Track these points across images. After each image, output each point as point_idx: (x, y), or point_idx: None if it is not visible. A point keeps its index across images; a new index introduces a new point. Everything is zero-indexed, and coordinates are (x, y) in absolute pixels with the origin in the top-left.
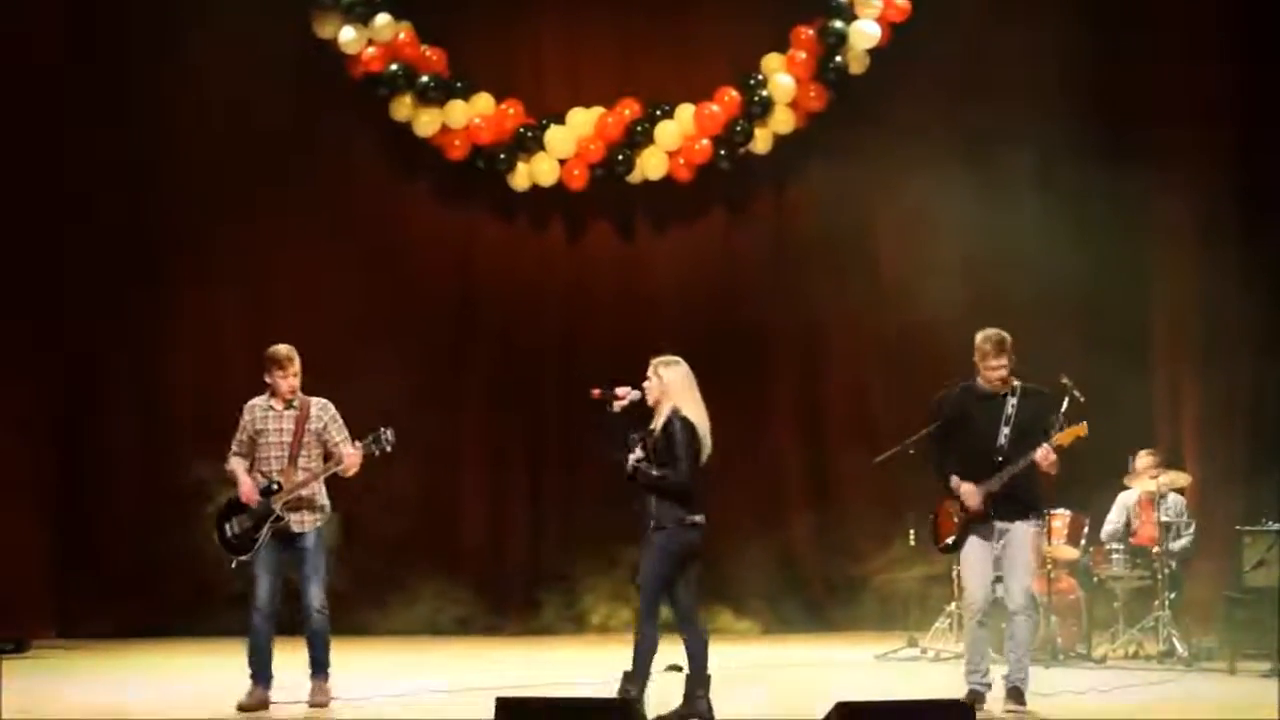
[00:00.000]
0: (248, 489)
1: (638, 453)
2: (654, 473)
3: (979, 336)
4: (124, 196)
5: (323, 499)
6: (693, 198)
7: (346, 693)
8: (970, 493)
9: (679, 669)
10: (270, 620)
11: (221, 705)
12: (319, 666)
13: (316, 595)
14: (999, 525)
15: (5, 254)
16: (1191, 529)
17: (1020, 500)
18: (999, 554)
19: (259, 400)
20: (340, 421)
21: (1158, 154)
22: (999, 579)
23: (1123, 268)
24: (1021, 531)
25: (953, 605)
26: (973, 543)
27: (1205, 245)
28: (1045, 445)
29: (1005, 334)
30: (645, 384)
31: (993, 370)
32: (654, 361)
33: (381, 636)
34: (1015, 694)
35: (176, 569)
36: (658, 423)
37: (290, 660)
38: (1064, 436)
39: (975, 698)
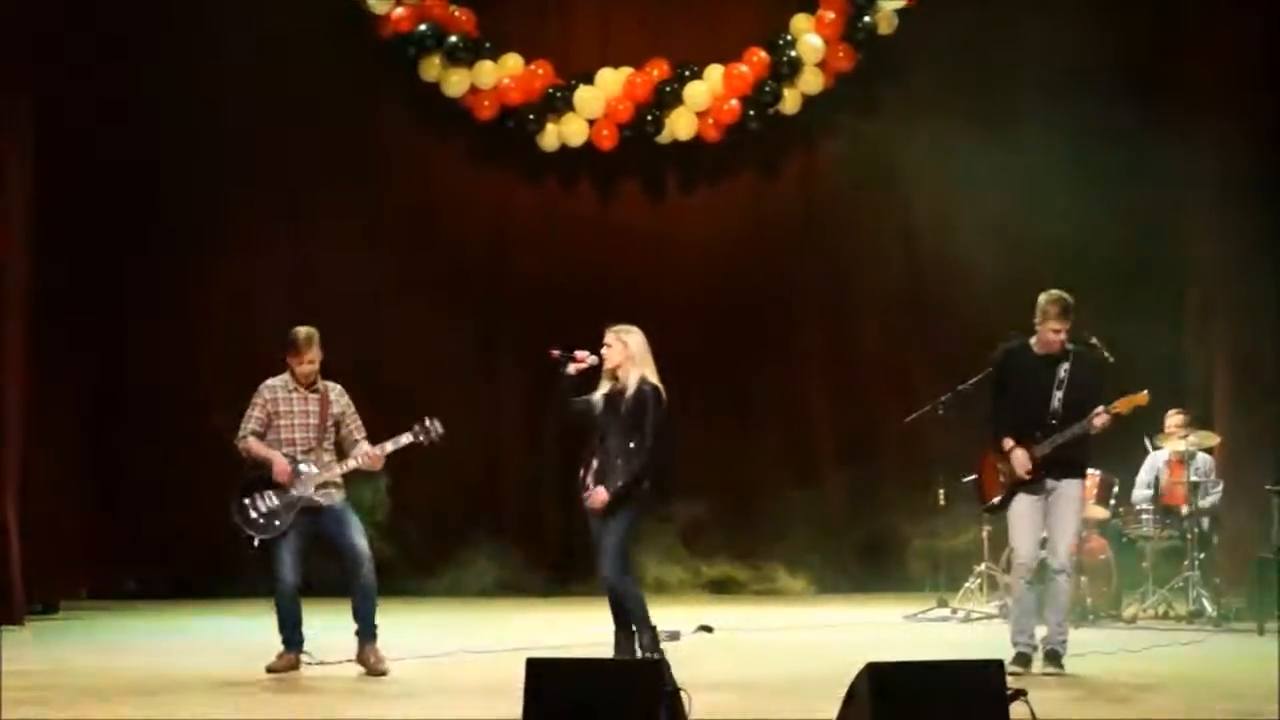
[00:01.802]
0: (284, 466)
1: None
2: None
3: (1042, 297)
4: (153, 159)
5: (339, 476)
6: (721, 158)
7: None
8: (1020, 458)
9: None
10: (295, 594)
11: (252, 666)
12: (371, 630)
13: (363, 547)
14: (1048, 483)
15: (42, 221)
16: (1219, 487)
17: (1069, 460)
18: (1046, 511)
19: (277, 381)
20: (355, 410)
21: (1190, 113)
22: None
23: (1153, 227)
24: (1070, 489)
25: (982, 566)
26: (1023, 501)
27: (1237, 205)
28: (1104, 413)
29: (1068, 296)
30: (604, 350)
31: (1053, 333)
32: (613, 329)
33: (425, 599)
34: (1053, 656)
35: (207, 530)
36: (628, 387)
37: (323, 621)
38: (1124, 404)
39: (1022, 660)
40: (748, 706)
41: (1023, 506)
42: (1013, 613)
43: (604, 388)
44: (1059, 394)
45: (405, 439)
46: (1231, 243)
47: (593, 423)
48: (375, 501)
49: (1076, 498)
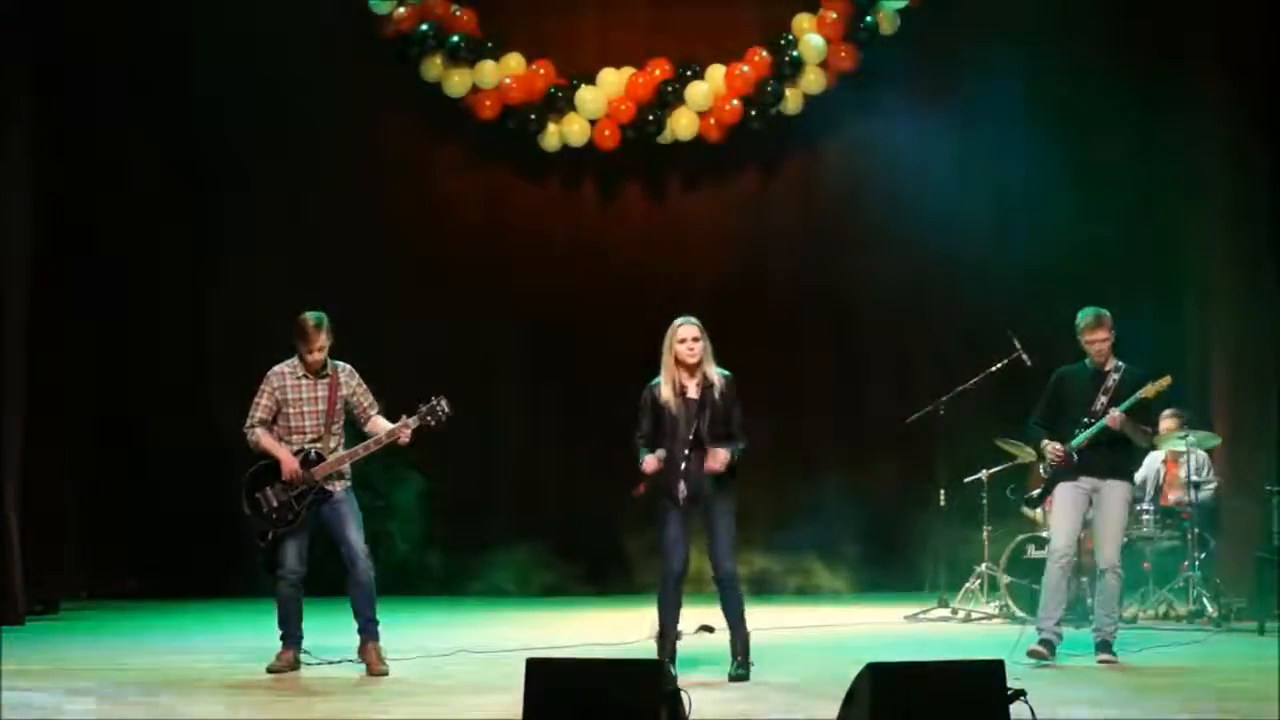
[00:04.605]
0: (292, 465)
1: (720, 455)
2: (739, 446)
3: (1078, 316)
4: (152, 158)
5: (347, 464)
6: (723, 158)
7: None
8: (1054, 447)
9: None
10: (299, 585)
11: (252, 666)
12: (371, 626)
13: (359, 542)
14: (1092, 481)
15: (42, 221)
16: (1214, 484)
17: (1114, 460)
18: (1092, 512)
19: (285, 368)
20: (366, 387)
21: (1190, 107)
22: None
23: (1154, 225)
24: (1116, 490)
25: (983, 566)
26: (1062, 489)
27: (1238, 204)
28: (1115, 410)
29: (1103, 310)
30: (694, 343)
31: (1093, 344)
32: (692, 322)
33: (450, 600)
34: (1105, 646)
35: (208, 530)
36: (714, 380)
37: (323, 621)
38: (1150, 390)
39: (1047, 645)
40: (748, 706)
41: (1063, 496)
42: (1042, 599)
43: (682, 385)
44: (1102, 398)
45: (413, 423)
46: (1232, 241)
47: (665, 424)
48: (412, 506)
49: (1123, 499)
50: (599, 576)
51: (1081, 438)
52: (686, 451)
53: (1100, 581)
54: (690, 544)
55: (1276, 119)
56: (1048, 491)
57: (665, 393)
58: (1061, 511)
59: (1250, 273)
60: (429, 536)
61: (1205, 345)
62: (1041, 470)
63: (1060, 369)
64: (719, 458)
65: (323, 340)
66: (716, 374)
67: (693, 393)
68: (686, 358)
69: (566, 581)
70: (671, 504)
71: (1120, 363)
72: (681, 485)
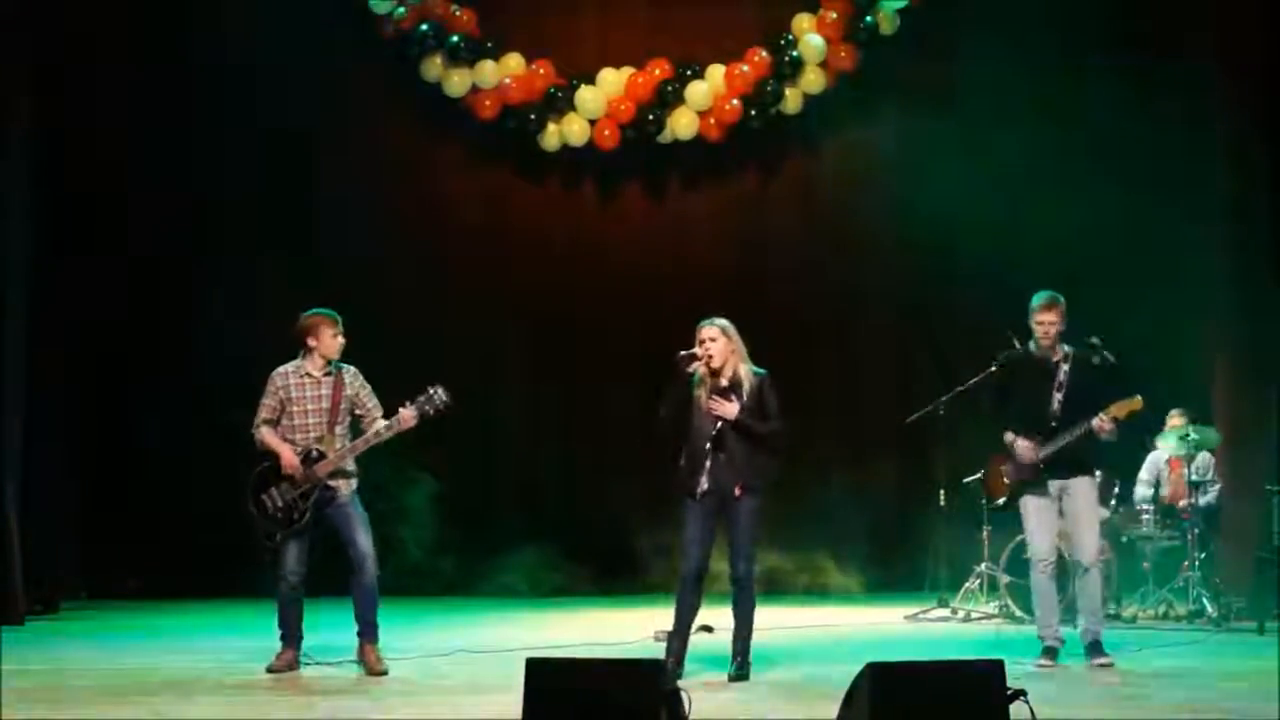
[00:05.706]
0: (291, 459)
1: (729, 405)
2: (771, 427)
3: (1034, 297)
4: (153, 157)
5: (353, 464)
6: (723, 158)
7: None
8: (1026, 448)
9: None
10: (299, 586)
11: (252, 666)
12: (370, 629)
13: (366, 544)
14: (1057, 483)
15: (42, 220)
16: (1216, 486)
17: (1076, 459)
18: (1063, 511)
19: (289, 367)
20: (370, 390)
21: (1189, 107)
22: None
23: (1154, 225)
24: (1082, 487)
25: (982, 565)
26: (1030, 499)
27: (1238, 204)
28: (1100, 415)
29: (1055, 293)
30: (711, 344)
31: (1042, 324)
32: (710, 323)
33: (459, 600)
34: (1096, 647)
35: (208, 530)
36: (742, 380)
37: (322, 621)
38: (1119, 409)
39: (1051, 654)
40: (748, 706)
41: (1034, 503)
42: (1036, 607)
43: (714, 384)
44: (1058, 396)
45: (412, 411)
46: (1232, 241)
47: (689, 424)
48: (424, 509)
49: (1090, 495)
50: (606, 577)
51: (1051, 449)
52: (708, 447)
53: (1082, 580)
54: (710, 544)
55: (1276, 119)
56: (1013, 500)
57: (699, 391)
58: (1036, 519)
59: (1250, 272)
60: (440, 540)
61: (1205, 345)
62: (1004, 478)
63: (1004, 358)
64: (726, 407)
65: (340, 328)
66: (747, 372)
67: (721, 392)
68: (704, 360)
69: (574, 582)
70: (691, 501)
71: (1066, 348)
72: (703, 480)
